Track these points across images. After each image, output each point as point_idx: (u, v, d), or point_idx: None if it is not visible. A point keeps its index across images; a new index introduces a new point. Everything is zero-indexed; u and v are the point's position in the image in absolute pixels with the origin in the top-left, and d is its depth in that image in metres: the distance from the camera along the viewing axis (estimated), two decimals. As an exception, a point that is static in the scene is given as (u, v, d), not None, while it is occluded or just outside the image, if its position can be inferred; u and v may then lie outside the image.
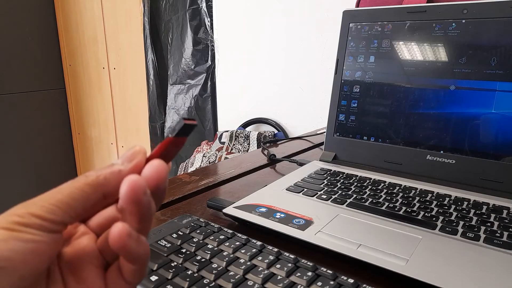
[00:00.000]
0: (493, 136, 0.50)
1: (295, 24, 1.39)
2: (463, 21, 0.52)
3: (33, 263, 0.19)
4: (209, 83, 1.69)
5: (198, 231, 0.39)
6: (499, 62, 0.50)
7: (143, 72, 1.91)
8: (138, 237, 0.20)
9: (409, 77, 0.56)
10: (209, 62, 1.69)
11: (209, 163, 1.27)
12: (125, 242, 0.20)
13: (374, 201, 0.47)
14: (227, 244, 0.37)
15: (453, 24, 0.53)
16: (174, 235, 0.38)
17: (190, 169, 1.30)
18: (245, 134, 1.37)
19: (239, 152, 1.30)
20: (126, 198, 0.20)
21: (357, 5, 0.81)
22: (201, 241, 0.37)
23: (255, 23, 1.51)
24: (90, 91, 2.29)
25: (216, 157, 1.28)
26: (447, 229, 0.40)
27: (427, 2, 0.71)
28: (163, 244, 0.37)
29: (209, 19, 1.67)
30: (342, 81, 0.62)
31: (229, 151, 1.31)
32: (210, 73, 1.69)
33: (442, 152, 0.53)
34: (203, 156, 1.29)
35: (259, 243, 0.37)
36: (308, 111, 1.38)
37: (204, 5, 1.67)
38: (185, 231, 0.39)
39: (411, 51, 0.57)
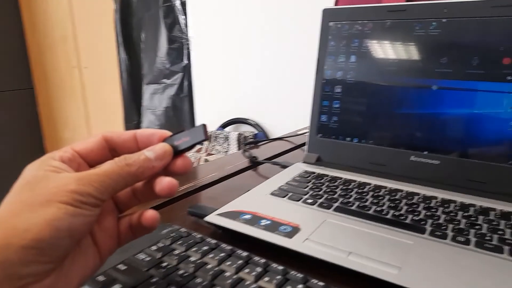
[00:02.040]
0: (476, 136, 0.50)
1: (274, 21, 1.38)
2: (444, 20, 0.52)
3: (86, 230, 0.24)
4: (185, 83, 1.66)
5: (179, 242, 0.37)
6: (480, 62, 0.50)
7: (115, 71, 1.85)
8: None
9: (391, 77, 0.56)
10: (185, 61, 1.65)
11: (187, 165, 1.24)
12: (175, 190, 0.27)
13: (360, 205, 0.46)
14: (211, 255, 0.34)
15: (434, 23, 0.53)
16: (154, 248, 0.36)
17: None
18: (225, 135, 1.35)
19: (218, 153, 1.27)
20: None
21: (336, 4, 0.80)
22: (183, 253, 0.35)
23: (231, 20, 1.48)
24: (61, 91, 2.20)
25: (195, 158, 1.25)
26: (437, 233, 0.39)
27: (406, 1, 0.71)
28: (142, 258, 0.34)
29: (184, 16, 1.64)
30: (323, 81, 0.61)
31: (208, 152, 1.28)
32: (187, 72, 1.65)
33: (426, 152, 0.53)
34: (181, 158, 1.26)
35: (245, 253, 0.35)
36: (288, 110, 1.37)
37: (178, 2, 1.63)
38: (166, 243, 0.37)
39: (392, 51, 0.56)
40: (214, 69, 1.56)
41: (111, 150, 0.29)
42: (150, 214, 0.28)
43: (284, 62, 1.38)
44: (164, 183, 0.27)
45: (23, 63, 2.25)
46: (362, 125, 0.58)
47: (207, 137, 0.28)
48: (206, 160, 1.21)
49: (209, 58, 1.56)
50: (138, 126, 1.84)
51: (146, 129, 0.30)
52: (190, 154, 1.30)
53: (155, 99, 1.71)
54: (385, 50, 0.56)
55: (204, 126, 0.28)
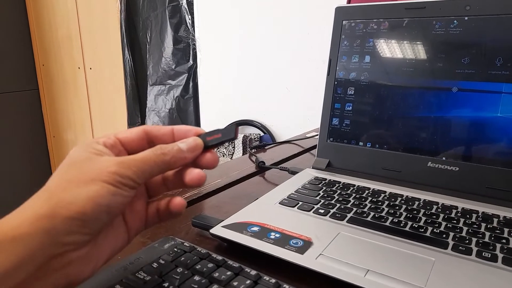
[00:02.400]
0: (499, 142, 0.47)
1: (282, 21, 1.35)
2: (466, 18, 0.49)
3: (121, 209, 0.27)
4: (191, 84, 1.63)
5: (182, 258, 0.34)
6: (505, 62, 0.46)
7: (120, 72, 1.83)
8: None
9: (408, 78, 0.53)
10: (191, 61, 1.62)
11: (192, 168, 1.21)
12: (203, 181, 0.30)
13: (376, 215, 0.43)
14: (217, 274, 0.32)
15: (455, 21, 0.50)
16: (155, 265, 0.33)
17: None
18: (230, 137, 1.32)
19: (223, 156, 1.24)
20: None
21: (349, 1, 0.77)
22: (186, 272, 0.32)
23: (239, 20, 1.45)
24: (65, 92, 2.19)
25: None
26: (460, 248, 0.36)
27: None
28: (142, 277, 0.31)
29: (190, 16, 1.61)
30: (336, 82, 0.58)
31: (213, 155, 1.26)
32: (192, 73, 1.62)
33: (444, 159, 0.50)
34: (186, 160, 1.23)
35: (253, 272, 0.32)
36: (295, 112, 1.34)
37: (184, 1, 1.61)
38: (168, 259, 0.34)
39: (409, 51, 0.53)
40: (220, 70, 1.53)
41: (149, 142, 0.31)
42: (178, 200, 0.30)
43: (292, 62, 1.35)
44: (194, 174, 0.30)
45: (28, 64, 2.24)
46: (376, 129, 0.55)
47: (237, 136, 0.31)
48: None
49: (215, 58, 1.54)
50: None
51: (184, 125, 0.32)
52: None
53: (159, 101, 1.69)
54: (402, 50, 0.53)
55: (236, 126, 0.31)
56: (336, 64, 0.58)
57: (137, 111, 1.80)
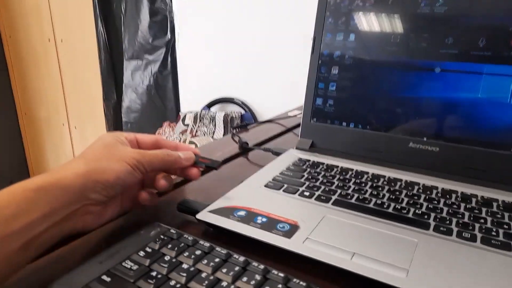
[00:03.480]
0: (479, 123, 0.48)
1: (262, -5, 1.31)
2: (451, -3, 0.48)
3: (129, 186, 0.38)
4: (169, 59, 1.58)
5: (169, 245, 0.34)
6: (488, 43, 0.47)
7: (94, 46, 1.75)
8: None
9: (392, 57, 0.52)
10: (169, 35, 1.56)
11: (173, 146, 1.19)
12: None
13: (360, 197, 0.43)
14: (205, 262, 0.31)
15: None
16: (142, 253, 0.33)
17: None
18: (211, 116, 1.30)
19: (204, 135, 1.23)
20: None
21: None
22: (174, 260, 0.32)
23: (217, -8, 1.40)
24: (36, 67, 2.09)
25: (180, 140, 1.20)
26: (441, 228, 0.37)
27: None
28: (129, 266, 0.31)
29: (166, -13, 1.54)
30: (320, 61, 0.57)
31: (193, 134, 1.24)
32: (170, 48, 1.57)
33: (425, 139, 0.51)
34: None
35: (242, 258, 0.32)
36: (276, 90, 1.32)
37: (160, -29, 1.53)
38: (154, 247, 0.34)
39: (394, 29, 0.52)
40: (199, 45, 1.49)
41: (158, 148, 0.42)
42: (162, 181, 0.41)
43: (274, 39, 1.32)
44: (162, 182, 0.41)
45: (-7, 36, 2.11)
46: (359, 109, 0.55)
47: (218, 169, 0.44)
48: (191, 142, 1.16)
49: (194, 32, 1.48)
50: (118, 104, 1.76)
51: (186, 145, 0.46)
52: (174, 136, 1.25)
53: (136, 76, 1.63)
54: (386, 28, 0.53)
55: (222, 162, 0.44)
56: (321, 42, 0.57)
57: (112, 87, 1.74)
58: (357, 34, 0.55)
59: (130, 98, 1.66)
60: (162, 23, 1.56)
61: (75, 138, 2.10)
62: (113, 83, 1.75)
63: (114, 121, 1.80)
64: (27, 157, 2.36)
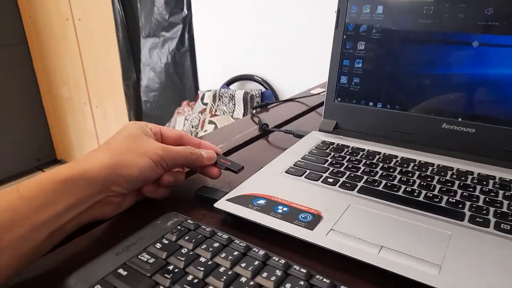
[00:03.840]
0: (520, 101, 0.44)
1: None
2: (493, -39, 0.43)
3: (150, 181, 0.38)
4: (186, 36, 1.54)
5: (187, 237, 0.32)
6: (534, 13, 0.42)
7: (111, 24, 1.73)
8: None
9: (425, 31, 0.48)
10: (185, 11, 1.52)
11: (192, 127, 1.18)
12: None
13: (388, 184, 0.41)
14: (223, 255, 0.30)
15: (480, -35, 0.44)
16: (158, 245, 0.32)
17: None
18: (230, 94, 1.27)
19: (224, 114, 1.21)
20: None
21: None
22: (191, 252, 0.31)
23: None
24: (55, 46, 2.10)
25: (199, 120, 1.19)
26: (478, 219, 0.34)
27: None
28: (145, 260, 0.30)
29: (182, -40, 1.49)
30: (344, 36, 0.53)
31: (213, 113, 1.22)
32: (187, 24, 1.53)
33: (460, 119, 0.47)
34: (185, 119, 1.19)
35: (262, 252, 0.30)
36: (298, 66, 1.27)
37: None
38: (171, 238, 0.32)
39: (427, 0, 0.48)
40: (217, 20, 1.44)
41: (181, 144, 0.42)
42: (210, 154, 0.42)
43: (295, 12, 1.26)
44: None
45: (14, 16, 2.12)
46: (388, 88, 0.51)
47: (237, 173, 0.43)
48: (210, 122, 1.14)
49: (212, 8, 1.43)
50: (137, 83, 1.75)
51: (210, 144, 0.45)
52: (193, 115, 1.24)
53: (154, 54, 1.60)
54: None
55: (243, 167, 0.43)
56: (345, 15, 0.53)
57: (131, 65, 1.73)
58: (385, 6, 0.50)
59: (149, 77, 1.65)
60: (179, -2, 1.52)
61: (97, 117, 2.12)
62: (132, 61, 1.73)
63: (135, 100, 1.80)
64: (52, 135, 2.42)
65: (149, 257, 0.30)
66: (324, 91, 0.57)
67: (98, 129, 2.17)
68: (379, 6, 0.50)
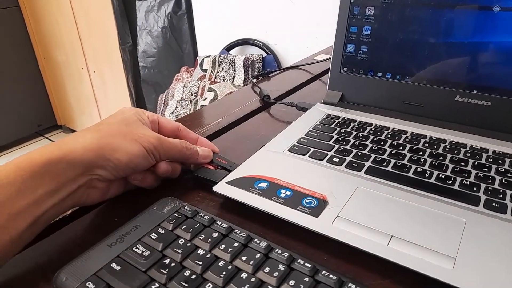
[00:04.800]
0: (543, 72, 0.41)
1: None
2: None
3: (141, 170, 0.35)
4: (183, -3, 1.46)
5: (184, 226, 0.31)
6: None
7: (105, -16, 1.64)
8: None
9: (441, -6, 0.44)
10: (181, -31, 1.43)
11: (191, 94, 1.14)
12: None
13: (398, 163, 0.38)
14: (223, 247, 0.28)
15: None
16: (154, 235, 0.30)
17: (171, 102, 1.17)
18: (230, 60, 1.22)
19: (224, 81, 1.16)
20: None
21: None
22: (188, 244, 0.29)
23: None
24: (48, 9, 2.01)
25: (198, 87, 1.15)
26: (494, 204, 0.32)
27: None
28: (140, 252, 0.28)
29: None
30: (352, 1, 0.49)
31: (212, 79, 1.18)
32: (184, -16, 1.44)
33: (475, 92, 0.44)
34: (184, 86, 1.15)
35: (263, 243, 0.28)
36: (301, 29, 1.21)
37: None
38: (168, 227, 0.31)
39: (446, -42, 0.43)
40: (214, -21, 1.36)
41: (177, 136, 0.40)
42: (206, 152, 0.40)
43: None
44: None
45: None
46: (398, 57, 0.48)
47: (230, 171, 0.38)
48: (210, 89, 1.10)
49: (208, -35, 1.35)
50: (134, 48, 1.68)
51: (207, 141, 0.42)
52: (192, 82, 1.19)
53: (150, 18, 1.53)
54: (437, -42, 0.43)
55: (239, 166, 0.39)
56: (354, -23, 0.48)
57: (127, 29, 1.65)
58: (399, -35, 0.45)
59: (146, 42, 1.58)
60: (174, -45, 1.42)
61: (95, 82, 2.07)
62: (127, 25, 1.66)
63: (132, 66, 1.74)
64: (52, 101, 2.38)
65: (144, 249, 0.29)
66: (329, 58, 0.53)
67: (96, 94, 2.13)
68: (392, -35, 0.46)
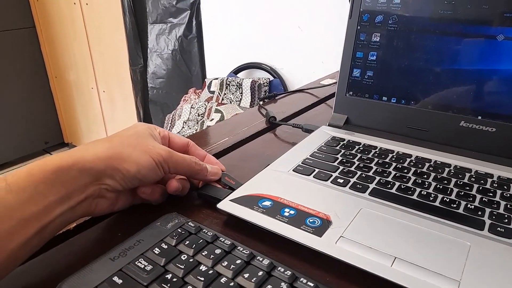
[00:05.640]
0: (547, 100, 0.41)
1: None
2: None
3: (149, 182, 0.35)
4: (194, 22, 1.50)
5: (187, 242, 0.31)
6: None
7: (118, 8, 1.70)
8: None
9: (445, 23, 0.45)
10: (193, -4, 1.48)
11: (198, 115, 1.15)
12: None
13: (402, 186, 0.38)
14: (225, 264, 0.28)
15: (510, -49, 0.41)
16: (157, 250, 0.30)
17: (177, 122, 1.19)
18: (237, 82, 1.24)
19: (231, 103, 1.18)
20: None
21: None
22: (191, 259, 0.29)
23: None
24: (63, 30, 2.07)
25: (205, 108, 1.17)
26: (499, 229, 0.32)
27: None
28: (143, 266, 0.28)
29: None
30: (358, 27, 0.50)
31: (219, 101, 1.19)
32: (195, 10, 1.49)
33: (480, 118, 0.44)
34: (191, 107, 1.17)
35: (266, 261, 0.28)
36: (308, 54, 1.23)
37: None
38: (171, 242, 0.31)
39: (449, -11, 0.44)
40: (226, 6, 1.40)
41: (186, 152, 0.41)
42: (174, 183, 0.37)
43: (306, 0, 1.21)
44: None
45: (21, 0, 2.10)
46: (403, 83, 0.48)
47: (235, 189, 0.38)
48: (217, 110, 1.12)
49: (219, -8, 1.40)
50: (145, 69, 1.72)
51: (216, 160, 0.43)
52: (200, 103, 1.21)
53: (161, 41, 1.57)
54: (441, -12, 0.45)
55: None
56: (360, 4, 0.50)
57: (139, 51, 1.70)
58: (404, -6, 0.47)
59: (156, 63, 1.62)
60: (186, -17, 1.48)
61: (104, 102, 2.11)
62: (139, 47, 1.70)
63: (141, 86, 1.78)
64: (60, 119, 2.42)
65: (146, 263, 0.29)
66: (335, 82, 0.54)
67: (105, 113, 2.16)
68: (397, -6, 0.47)
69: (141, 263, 0.29)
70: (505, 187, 0.38)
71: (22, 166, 0.29)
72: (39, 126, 2.34)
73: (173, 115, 1.26)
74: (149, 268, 0.28)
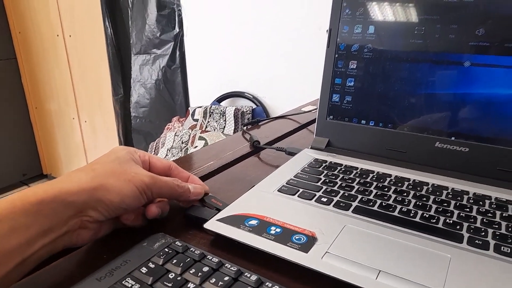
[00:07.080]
0: (513, 121, 0.44)
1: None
2: (483, -17, 0.44)
3: (132, 209, 0.35)
4: (177, 53, 1.54)
5: (174, 261, 0.31)
6: (525, 34, 0.42)
7: (102, 40, 1.72)
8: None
9: (416, 51, 0.48)
10: (177, 29, 1.53)
11: (182, 143, 1.16)
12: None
13: (383, 203, 0.40)
14: (213, 281, 0.28)
15: (471, -13, 0.45)
16: (144, 269, 0.30)
17: (161, 150, 1.19)
18: (221, 110, 1.26)
19: (214, 130, 1.20)
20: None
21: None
22: (179, 278, 0.29)
23: (226, -17, 1.36)
24: (45, 61, 2.08)
25: (189, 136, 1.17)
26: (477, 242, 0.33)
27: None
28: (130, 286, 0.28)
29: (174, -21, 1.50)
30: (336, 55, 0.53)
31: (203, 129, 1.21)
32: (179, 42, 1.53)
33: (453, 138, 0.46)
34: (175, 135, 1.18)
35: (254, 277, 0.29)
36: (289, 83, 1.28)
37: (168, -38, 1.49)
38: (158, 262, 0.31)
39: (418, 20, 0.48)
40: (208, 38, 1.45)
41: (168, 175, 0.40)
42: (153, 208, 0.37)
43: (287, 30, 1.27)
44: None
45: (3, 32, 2.11)
46: (380, 107, 0.51)
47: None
48: (200, 138, 1.13)
49: (202, 26, 1.44)
50: (127, 99, 1.73)
51: (199, 180, 0.43)
52: (184, 131, 1.22)
53: (144, 71, 1.59)
54: (409, 19, 0.48)
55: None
56: (337, 35, 0.53)
57: (119, 82, 1.71)
58: (377, 26, 0.50)
59: (139, 93, 1.63)
60: (170, 16, 1.52)
61: (85, 132, 2.09)
62: (120, 78, 1.72)
63: (123, 116, 1.78)
64: (39, 150, 2.37)
65: (133, 282, 0.28)
66: (316, 109, 0.56)
67: (86, 144, 2.13)
68: (371, 26, 0.51)
69: (128, 282, 0.28)
70: (481, 202, 0.40)
71: (0, 198, 0.29)
72: (17, 158, 2.29)
73: (156, 143, 1.26)
74: (136, 287, 0.28)
